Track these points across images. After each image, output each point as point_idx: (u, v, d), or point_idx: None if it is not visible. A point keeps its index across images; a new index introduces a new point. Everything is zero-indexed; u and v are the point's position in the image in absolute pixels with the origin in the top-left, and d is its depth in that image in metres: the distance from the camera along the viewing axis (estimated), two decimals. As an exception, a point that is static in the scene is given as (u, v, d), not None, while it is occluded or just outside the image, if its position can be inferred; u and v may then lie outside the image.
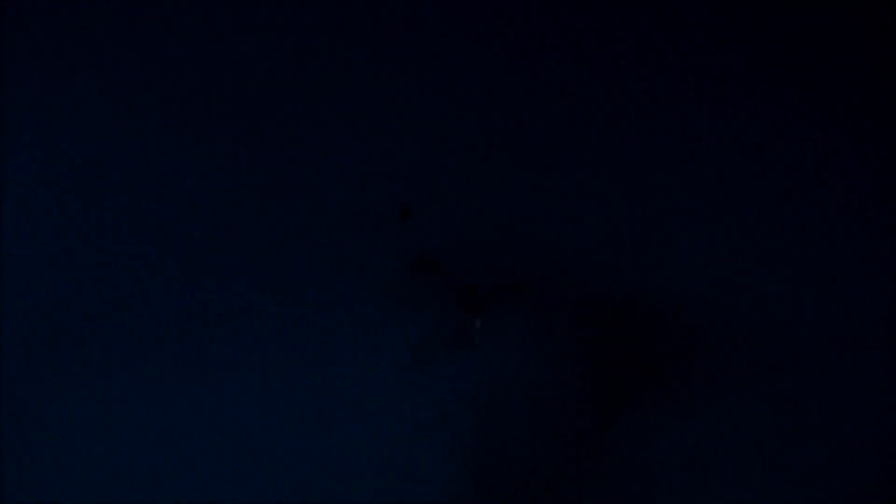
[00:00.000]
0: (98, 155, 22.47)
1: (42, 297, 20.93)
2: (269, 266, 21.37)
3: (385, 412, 19.81)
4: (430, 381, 20.15)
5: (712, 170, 22.13)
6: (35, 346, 20.44)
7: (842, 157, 22.12)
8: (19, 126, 22.70)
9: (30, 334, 20.55)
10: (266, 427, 19.69)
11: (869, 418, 19.43)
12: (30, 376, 20.12)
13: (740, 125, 22.55)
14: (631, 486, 18.93)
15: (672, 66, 23.15)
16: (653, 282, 21.01)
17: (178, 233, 21.66)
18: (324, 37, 23.82)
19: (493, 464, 19.22)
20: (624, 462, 19.18)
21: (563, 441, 19.39)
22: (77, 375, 20.14)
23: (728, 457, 19.21)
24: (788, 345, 20.31)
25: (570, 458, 19.20)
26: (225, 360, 20.39)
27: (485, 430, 19.59)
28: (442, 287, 21.08)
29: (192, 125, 22.79)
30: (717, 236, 21.48)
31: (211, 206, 21.96)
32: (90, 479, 19.14)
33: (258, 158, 22.49)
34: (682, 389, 19.90)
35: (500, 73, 22.81)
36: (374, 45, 23.68)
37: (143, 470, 19.24)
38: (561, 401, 19.81)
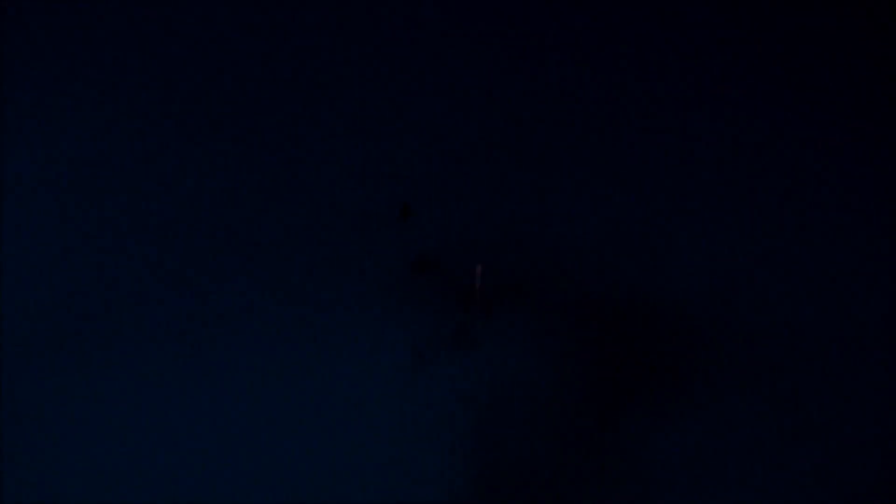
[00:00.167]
0: (98, 155, 22.49)
1: (42, 297, 20.94)
2: (269, 266, 21.39)
3: (385, 412, 19.82)
4: (431, 381, 20.17)
5: (712, 170, 22.14)
6: (35, 346, 20.45)
7: (842, 157, 22.14)
8: (19, 126, 22.71)
9: (30, 334, 20.56)
10: (266, 427, 19.70)
11: (869, 418, 19.44)
12: (30, 376, 20.13)
13: (740, 125, 22.57)
14: (631, 486, 18.94)
15: (672, 67, 23.17)
16: (653, 282, 21.02)
17: (178, 233, 21.67)
18: (324, 37, 23.84)
19: (493, 463, 19.23)
20: (624, 462, 19.19)
21: (563, 441, 19.40)
22: (77, 375, 20.14)
23: (728, 456, 19.22)
24: (788, 345, 20.33)
25: (570, 457, 19.21)
26: (225, 360, 20.41)
27: (485, 429, 19.61)
28: (442, 287, 21.09)
29: (192, 125, 22.81)
30: (717, 236, 21.49)
31: (211, 206, 21.98)
32: (90, 479, 19.15)
33: (258, 158, 22.51)
34: (683, 389, 19.91)
35: (499, 73, 22.84)
36: (374, 45, 23.70)
37: (143, 470, 19.25)
38: (561, 400, 19.83)
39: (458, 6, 23.89)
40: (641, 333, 20.45)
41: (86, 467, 19.23)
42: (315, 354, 20.40)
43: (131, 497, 18.99)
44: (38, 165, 22.27)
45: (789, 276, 21.02)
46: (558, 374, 20.11)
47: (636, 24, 23.60)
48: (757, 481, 18.94)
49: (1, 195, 21.94)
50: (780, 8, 23.71)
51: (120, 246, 21.52)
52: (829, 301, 20.72)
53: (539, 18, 23.68)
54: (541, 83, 22.72)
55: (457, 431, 19.58)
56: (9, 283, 21.05)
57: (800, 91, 22.83)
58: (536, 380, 20.09)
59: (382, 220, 21.82)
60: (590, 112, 22.52)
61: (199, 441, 19.44)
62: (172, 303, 20.90)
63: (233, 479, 19.12)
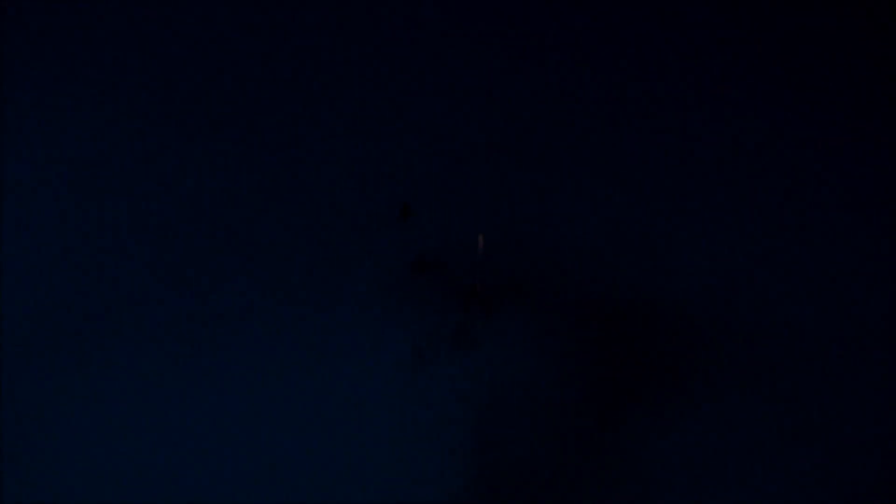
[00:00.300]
0: (98, 155, 22.48)
1: (42, 297, 20.93)
2: (269, 266, 21.38)
3: (385, 412, 19.81)
4: (431, 381, 20.16)
5: (713, 170, 22.13)
6: (35, 346, 20.44)
7: (842, 157, 22.12)
8: (19, 126, 22.70)
9: (30, 334, 20.55)
10: (266, 427, 19.69)
11: (870, 418, 19.43)
12: (30, 376, 20.12)
13: (740, 125, 22.56)
14: (631, 486, 18.93)
15: (672, 67, 23.16)
16: (654, 282, 21.01)
17: (178, 233, 21.66)
18: (324, 37, 23.83)
19: (493, 463, 19.22)
20: (624, 462, 19.18)
21: (563, 441, 19.39)
22: (77, 375, 20.13)
23: (729, 457, 19.21)
24: (789, 344, 20.31)
25: (570, 457, 19.21)
26: (225, 359, 20.40)
27: (485, 429, 19.60)
28: (442, 287, 21.08)
29: (192, 125, 22.80)
30: (717, 236, 21.48)
31: (211, 206, 21.97)
32: (90, 479, 19.14)
33: (258, 158, 22.50)
34: (683, 389, 19.90)
35: (500, 73, 22.82)
36: (373, 45, 23.69)
37: (143, 470, 19.24)
38: (561, 400, 19.82)
39: (459, 6, 23.87)
40: (642, 333, 20.44)
41: (86, 467, 19.22)
42: (315, 354, 20.39)
43: (131, 497, 18.98)
44: (38, 165, 22.26)
45: (790, 276, 21.01)
46: (558, 374, 20.10)
47: (636, 24, 23.58)
48: (757, 481, 18.93)
49: (1, 195, 21.93)
50: (779, 8, 23.70)
51: (119, 246, 21.50)
52: (829, 301, 20.71)
53: (539, 18, 23.66)
54: (541, 83, 22.71)
55: (457, 431, 19.56)
56: (9, 284, 21.04)
57: (800, 91, 22.82)
58: (536, 380, 20.07)
59: (382, 220, 21.81)
60: (590, 112, 22.51)
61: (199, 441, 19.42)
62: (172, 303, 20.89)
63: (233, 479, 19.11)
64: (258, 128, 22.81)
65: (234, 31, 23.76)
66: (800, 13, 23.63)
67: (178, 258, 21.39)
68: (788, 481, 18.85)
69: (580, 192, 21.89)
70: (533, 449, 19.25)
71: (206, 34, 23.69)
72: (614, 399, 19.81)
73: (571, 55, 23.26)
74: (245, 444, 19.42)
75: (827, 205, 21.65)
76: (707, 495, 18.79)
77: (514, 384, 20.03)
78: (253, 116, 22.92)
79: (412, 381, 20.09)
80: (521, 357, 20.30)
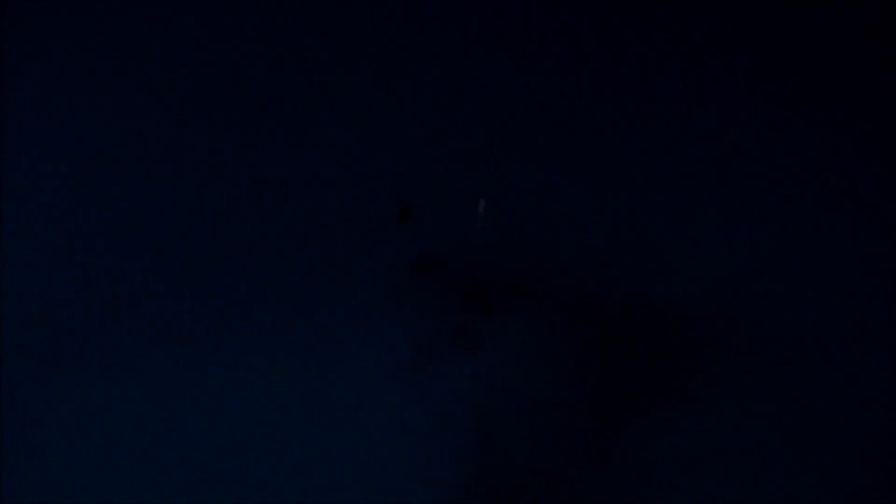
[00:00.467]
0: (98, 155, 22.46)
1: (43, 297, 20.91)
2: (269, 266, 21.36)
3: (385, 413, 19.80)
4: (431, 382, 20.14)
5: (714, 170, 22.12)
6: (35, 346, 20.43)
7: (843, 158, 22.11)
8: (19, 126, 22.69)
9: (30, 334, 20.54)
10: (265, 428, 19.68)
11: (873, 419, 19.42)
12: (30, 376, 20.11)
13: (742, 125, 22.55)
14: (633, 487, 18.92)
15: (673, 67, 23.14)
16: (655, 282, 21.00)
17: (178, 233, 21.65)
18: (324, 36, 23.81)
19: (493, 464, 19.21)
20: (626, 463, 19.17)
21: (564, 442, 19.38)
22: (78, 375, 20.12)
23: (730, 457, 19.20)
24: (790, 345, 20.31)
25: (571, 458, 19.19)
26: (225, 360, 20.39)
27: (485, 430, 19.59)
28: (442, 287, 21.06)
29: (192, 126, 22.78)
30: (719, 237, 21.47)
31: (211, 207, 21.95)
32: (90, 479, 19.13)
33: (258, 158, 22.48)
34: (684, 390, 19.89)
35: (500, 73, 22.80)
36: (374, 45, 23.67)
37: (143, 470, 19.23)
38: (562, 401, 19.80)
39: (459, 5, 23.86)
40: (642, 334, 20.43)
41: (86, 467, 19.20)
42: (314, 354, 20.37)
43: (132, 497, 18.97)
44: (38, 165, 22.24)
45: (790, 277, 21.00)
46: (559, 375, 20.09)
47: (637, 24, 23.57)
48: (759, 483, 18.92)
49: (1, 195, 21.92)
50: (780, 8, 23.68)
51: (119, 246, 21.49)
52: (830, 301, 20.70)
53: (539, 17, 23.64)
54: (541, 82, 22.69)
55: (456, 432, 19.55)
56: (9, 284, 21.02)
57: (801, 91, 22.81)
58: (537, 380, 20.06)
59: (382, 220, 21.80)
60: (591, 112, 22.49)
61: (198, 441, 19.41)
62: (172, 303, 20.87)
63: (232, 480, 19.09)
64: (258, 127, 22.79)
65: (235, 30, 23.74)
66: (800, 13, 23.62)
67: (178, 258, 21.38)
68: (790, 482, 18.85)
69: (581, 192, 21.88)
70: (533, 449, 19.24)
71: (206, 34, 23.67)
72: (615, 399, 19.81)
73: (572, 54, 23.24)
74: (244, 444, 19.41)
75: (828, 205, 21.65)
76: (708, 496, 18.78)
77: (514, 384, 20.02)
78: (253, 116, 22.90)
79: (412, 381, 20.07)
80: (521, 357, 20.28)
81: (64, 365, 20.23)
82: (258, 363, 20.28)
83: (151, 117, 22.85)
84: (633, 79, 23.03)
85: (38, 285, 21.03)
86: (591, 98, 22.59)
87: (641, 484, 18.92)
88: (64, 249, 21.41)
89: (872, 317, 20.43)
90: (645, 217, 21.62)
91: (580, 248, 21.30)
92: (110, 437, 19.53)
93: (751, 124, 22.55)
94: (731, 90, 22.85)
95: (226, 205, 21.97)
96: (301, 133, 22.76)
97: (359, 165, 22.38)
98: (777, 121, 22.56)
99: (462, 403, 19.88)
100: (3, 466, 19.15)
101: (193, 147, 22.57)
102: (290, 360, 20.32)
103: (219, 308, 20.88)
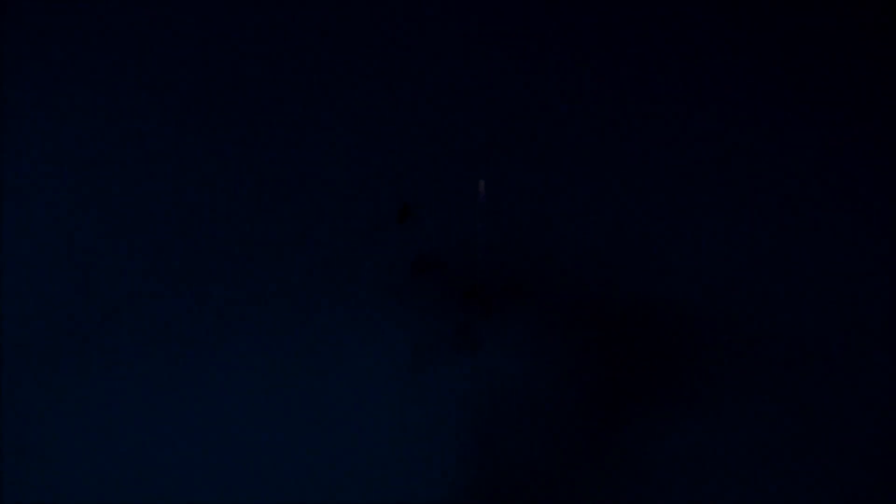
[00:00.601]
0: (98, 155, 22.48)
1: (43, 297, 20.93)
2: (268, 267, 21.38)
3: (384, 413, 19.82)
4: (431, 382, 20.16)
5: (715, 169, 22.13)
6: (36, 346, 20.44)
7: (843, 158, 22.12)
8: (19, 126, 22.70)
9: (30, 334, 20.55)
10: (265, 429, 19.70)
11: (875, 420, 19.43)
12: (30, 376, 20.13)
13: (743, 125, 22.56)
14: (633, 488, 18.93)
15: (674, 66, 23.16)
16: (656, 282, 21.01)
17: (178, 233, 21.66)
18: (324, 36, 23.83)
19: (494, 466, 19.22)
20: (626, 464, 19.18)
21: (564, 442, 19.39)
22: (78, 376, 20.14)
23: (731, 458, 19.21)
24: (792, 345, 20.31)
25: (571, 459, 19.20)
26: (224, 360, 20.41)
27: (485, 431, 19.60)
28: (442, 287, 21.07)
29: (192, 126, 22.80)
30: (719, 237, 21.48)
31: (211, 207, 21.97)
32: (91, 479, 19.15)
33: (257, 159, 22.50)
34: (687, 391, 19.90)
35: (500, 73, 22.81)
36: (374, 45, 23.68)
37: (143, 470, 19.26)
38: (562, 402, 19.81)
39: (459, 5, 23.86)
40: (643, 334, 20.43)
41: (86, 467, 19.22)
42: (314, 355, 20.38)
43: (132, 497, 18.99)
44: (38, 165, 22.26)
45: (792, 277, 21.00)
46: (559, 375, 20.09)
47: (637, 24, 23.58)
48: (760, 483, 18.93)
49: (1, 195, 21.93)
50: (780, 8, 23.69)
51: (119, 246, 21.50)
52: (831, 301, 20.70)
53: (540, 17, 23.66)
54: (542, 82, 22.70)
55: (456, 432, 19.56)
56: (9, 284, 21.03)
57: (802, 92, 22.82)
58: (537, 380, 20.06)
59: (382, 220, 21.81)
60: (591, 111, 22.50)
61: (198, 441, 19.42)
62: (172, 303, 20.88)
63: (232, 480, 19.11)
64: (258, 127, 22.81)
65: (235, 30, 23.75)
66: (800, 13, 23.63)
67: (178, 259, 21.39)
68: (791, 482, 18.85)
69: (581, 191, 21.89)
70: (533, 450, 19.24)
71: (206, 34, 23.68)
72: (615, 400, 19.81)
73: (572, 54, 23.25)
74: (244, 444, 19.42)
75: (829, 205, 21.66)
76: (709, 496, 18.79)
77: (514, 384, 20.02)
78: (252, 116, 22.92)
79: (411, 381, 20.08)
80: (521, 357, 20.29)
81: (64, 365, 20.25)
82: (258, 363, 20.29)
83: (152, 117, 22.87)
84: (633, 78, 23.05)
85: (38, 285, 21.04)
86: (593, 97, 22.61)
87: (642, 484, 18.93)
88: (64, 249, 21.42)
89: (873, 317, 20.44)
90: (646, 217, 21.64)
91: (581, 248, 21.31)
92: (111, 437, 19.55)
93: (751, 124, 22.57)
94: (731, 90, 22.87)
95: (226, 205, 21.98)
96: (301, 133, 22.79)
97: (358, 165, 22.40)
98: (778, 121, 22.58)
99: (462, 403, 19.90)
100: (3, 466, 19.17)
101: (193, 147, 22.59)
102: (289, 360, 20.33)
103: (218, 308, 20.89)
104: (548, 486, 18.90)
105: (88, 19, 23.86)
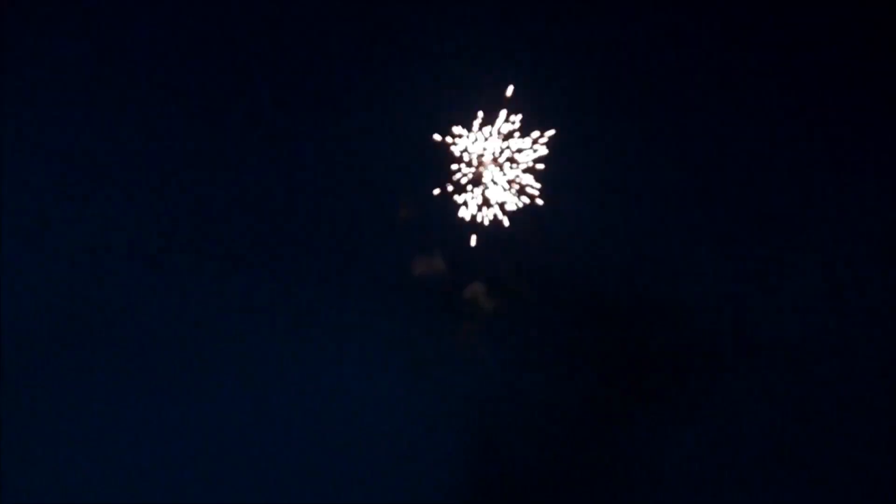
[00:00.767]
0: (98, 155, 22.42)
1: (43, 297, 20.88)
2: (268, 269, 21.34)
3: (385, 414, 19.83)
4: (430, 383, 20.16)
5: (719, 172, 22.08)
6: (36, 346, 20.39)
7: (845, 160, 22.07)
8: (19, 126, 22.61)
9: (31, 335, 20.50)
10: (266, 429, 19.75)
11: (877, 420, 19.41)
12: (30, 377, 20.08)
13: (748, 128, 22.50)
14: (634, 489, 18.93)
15: (678, 69, 23.08)
16: (657, 285, 20.99)
17: (180, 235, 21.61)
18: (324, 36, 23.74)
19: (494, 467, 19.22)
20: (627, 464, 19.18)
21: (566, 445, 19.38)
22: (78, 376, 20.12)
23: (733, 458, 19.22)
24: (793, 346, 20.29)
25: (573, 461, 19.20)
26: (225, 362, 20.42)
27: (486, 432, 19.59)
28: (442, 290, 21.02)
29: (192, 127, 22.73)
30: (723, 239, 21.43)
31: (213, 210, 21.92)
32: (91, 479, 19.15)
33: (258, 160, 22.46)
34: (688, 393, 19.89)
35: (501, 73, 22.67)
36: (374, 45, 23.60)
37: (143, 470, 19.26)
38: (563, 403, 19.80)
39: (459, 5, 23.77)
40: (644, 336, 20.40)
41: (86, 468, 19.21)
42: (313, 356, 20.37)
43: (132, 497, 18.99)
44: (38, 165, 22.19)
45: (794, 280, 20.96)
46: (560, 378, 20.07)
47: (638, 24, 23.49)
48: (764, 486, 18.92)
49: (1, 195, 21.84)
50: (780, 9, 23.60)
51: (122, 248, 21.48)
52: (834, 303, 20.66)
53: (540, 17, 23.58)
54: (547, 84, 22.56)
55: (456, 433, 19.56)
56: (9, 284, 20.95)
57: (808, 96, 22.73)
58: (537, 382, 20.04)
59: (382, 221, 21.77)
60: (596, 113, 22.37)
61: (198, 442, 19.43)
62: (173, 306, 20.85)
63: (232, 481, 19.13)
64: (259, 129, 22.76)
65: (236, 31, 23.65)
66: (800, 13, 23.55)
67: (180, 261, 21.36)
68: (794, 484, 18.86)
69: (584, 194, 21.83)
70: (533, 452, 19.25)
71: (207, 35, 23.58)
72: (616, 402, 19.80)
73: (575, 54, 23.17)
74: (245, 445, 19.44)
75: (834, 208, 21.60)
76: (712, 497, 18.81)
77: (514, 386, 20.01)
78: (253, 118, 22.87)
79: (412, 382, 20.06)
80: (522, 359, 20.26)
81: (65, 365, 20.21)
82: (257, 365, 20.31)
83: (153, 118, 22.81)
84: (638, 81, 22.98)
85: (40, 285, 20.97)
86: (599, 100, 22.54)
87: (642, 485, 18.94)
88: (64, 248, 21.38)
89: (878, 319, 20.38)
90: (651, 220, 21.60)
91: (585, 251, 21.26)
92: (111, 437, 19.56)
93: (756, 128, 22.51)
94: (739, 95, 22.80)
95: (227, 207, 21.94)
96: (302, 135, 22.74)
97: (359, 167, 22.35)
98: (782, 125, 22.52)
99: (463, 404, 19.90)
100: (3, 467, 19.14)
101: (193, 149, 22.54)
102: (288, 362, 20.36)
103: (219, 309, 20.88)
104: (548, 487, 18.89)
105: (89, 18, 23.73)
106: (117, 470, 19.28)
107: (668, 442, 19.42)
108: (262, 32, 23.55)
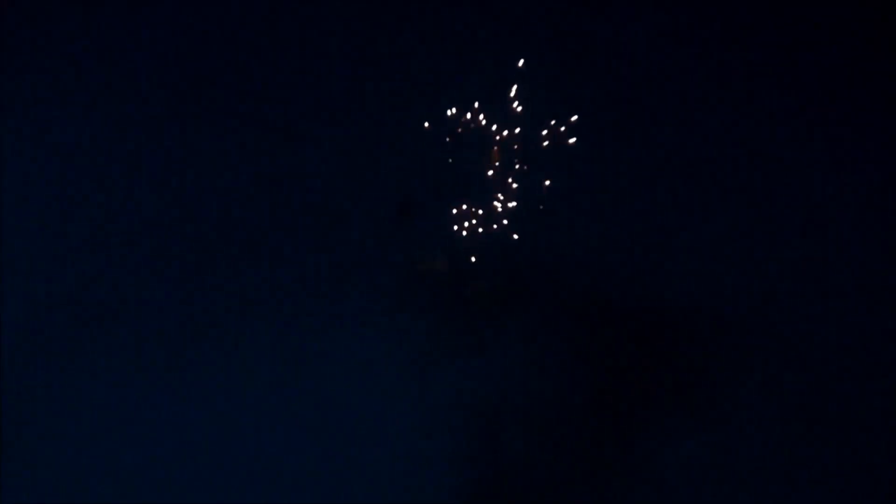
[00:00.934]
0: (98, 154, 22.41)
1: (43, 296, 20.84)
2: (268, 268, 21.33)
3: (386, 416, 19.80)
4: (433, 385, 20.14)
5: (720, 170, 22.13)
6: (36, 345, 20.35)
7: (846, 158, 22.14)
8: (19, 126, 22.60)
9: (31, 334, 20.45)
10: (266, 430, 19.70)
11: (881, 421, 19.44)
12: (30, 376, 20.04)
13: (746, 126, 22.57)
14: (638, 492, 18.93)
15: (677, 68, 23.15)
16: (661, 285, 21.01)
17: (180, 234, 21.58)
18: (323, 34, 23.76)
19: (496, 470, 19.20)
20: (631, 468, 19.18)
21: (570, 448, 19.38)
22: (79, 376, 20.07)
23: (737, 461, 19.23)
24: (797, 347, 20.31)
25: (575, 463, 19.19)
26: (224, 362, 20.38)
27: (488, 434, 19.57)
28: (444, 289, 21.02)
29: (192, 124, 22.72)
30: (726, 238, 21.47)
31: (212, 208, 21.90)
32: (91, 479, 19.10)
33: (258, 159, 22.45)
34: (692, 394, 19.90)
35: (502, 72, 22.73)
36: (375, 44, 23.63)
37: (144, 470, 19.22)
38: (567, 406, 19.79)
39: (458, 5, 23.81)
40: (648, 337, 20.41)
41: (86, 468, 19.16)
42: (314, 357, 20.35)
43: (132, 497, 18.95)
44: (37, 164, 22.16)
45: (797, 278, 21.00)
46: (565, 380, 20.07)
47: (638, 23, 23.56)
48: (766, 486, 18.94)
49: (1, 195, 21.81)
50: (780, 8, 23.69)
51: (121, 246, 21.43)
52: (838, 303, 20.70)
53: (540, 18, 23.64)
54: (544, 83, 22.60)
55: (458, 436, 19.54)
56: (9, 283, 20.91)
57: (808, 94, 22.82)
58: (540, 384, 20.03)
59: (382, 221, 21.77)
60: (594, 111, 22.42)
61: (198, 442, 19.39)
62: (173, 306, 20.81)
63: (232, 481, 19.09)
64: (259, 127, 22.75)
65: (235, 28, 23.66)
66: (800, 13, 23.63)
67: (179, 260, 21.33)
68: (800, 489, 18.87)
69: (589, 193, 21.88)
70: (536, 455, 19.23)
71: (207, 35, 23.59)
72: (620, 404, 19.79)
73: (573, 53, 23.22)
74: (245, 446, 19.40)
75: (836, 205, 21.67)
76: (715, 499, 18.81)
77: (518, 388, 20.00)
78: (253, 115, 22.85)
79: (416, 382, 20.04)
80: (525, 361, 20.26)
81: (65, 364, 20.16)
82: (257, 365, 20.27)
83: (152, 116, 22.80)
84: (636, 78, 23.04)
85: (40, 284, 20.94)
86: (596, 97, 22.59)
87: (646, 486, 18.94)
88: (64, 248, 21.34)
89: (882, 318, 20.42)
90: (653, 218, 21.63)
91: (586, 250, 21.29)
92: (112, 437, 19.51)
93: (755, 125, 22.58)
94: (738, 92, 22.87)
95: (227, 206, 21.92)
96: (302, 132, 22.73)
97: (360, 165, 22.35)
98: (781, 123, 22.60)
99: (467, 405, 19.88)
100: (3, 467, 19.09)
101: (192, 146, 22.53)
102: (289, 363, 20.33)
103: (219, 309, 20.84)
104: (553, 492, 18.87)
105: (89, 18, 23.72)
106: (117, 470, 19.23)
107: (677, 446, 19.41)
108: (261, 32, 23.60)
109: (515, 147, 21.33)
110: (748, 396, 19.79)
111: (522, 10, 23.76)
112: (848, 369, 19.96)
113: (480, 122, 21.24)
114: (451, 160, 21.45)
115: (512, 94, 21.19)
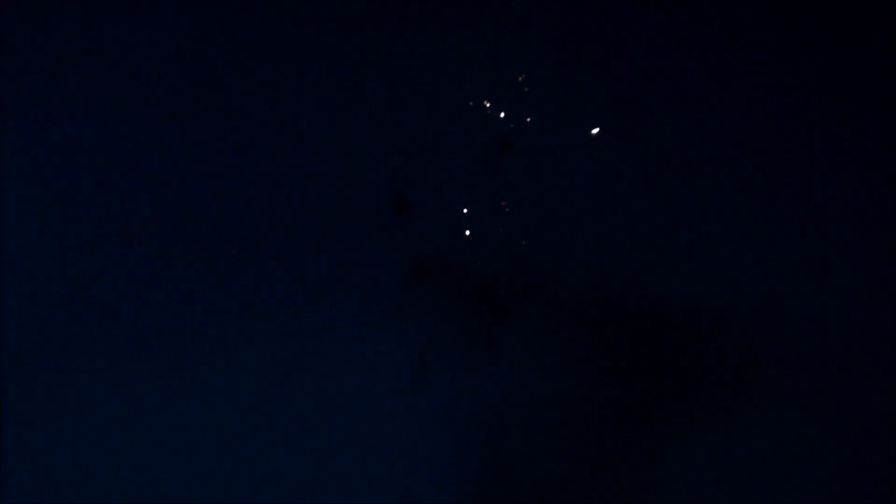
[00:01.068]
0: (97, 153, 22.38)
1: (43, 295, 20.82)
2: (268, 268, 21.31)
3: (388, 419, 19.78)
4: (436, 387, 20.12)
5: (726, 172, 22.15)
6: (36, 345, 20.32)
7: (848, 158, 22.18)
8: (19, 125, 22.58)
9: (30, 334, 20.43)
10: (266, 431, 19.67)
11: (886, 422, 19.45)
12: (30, 376, 20.01)
13: (749, 127, 22.60)
14: (648, 495, 18.90)
15: (679, 65, 23.18)
16: (673, 288, 20.99)
17: (178, 232, 21.57)
18: (323, 34, 23.77)
19: (502, 476, 19.18)
20: (639, 470, 19.15)
21: (573, 449, 19.35)
22: (79, 375, 20.04)
23: (747, 464, 19.21)
24: (806, 351, 20.31)
25: (580, 465, 19.16)
26: (225, 362, 20.35)
27: (493, 437, 19.55)
28: (449, 290, 21.01)
29: (190, 123, 22.71)
30: (736, 241, 21.47)
31: (210, 206, 21.89)
32: (90, 479, 19.06)
33: (257, 157, 22.43)
34: (701, 397, 19.88)
35: (504, 72, 22.79)
36: (375, 43, 23.64)
37: (144, 470, 19.18)
38: (571, 408, 19.77)
39: (459, 5, 23.85)
40: (660, 339, 20.40)
41: (86, 468, 19.13)
42: (314, 358, 20.32)
43: (133, 497, 18.92)
44: (37, 163, 22.14)
45: (809, 281, 21.00)
46: (571, 383, 20.05)
47: (638, 22, 23.61)
48: (775, 489, 18.92)
49: (1, 195, 21.80)
50: (780, 8, 23.74)
51: (119, 245, 21.41)
52: (842, 304, 20.72)
53: (540, 18, 23.68)
54: (548, 82, 22.67)
55: (463, 439, 19.52)
56: (9, 283, 20.89)
57: (809, 94, 22.87)
58: (548, 388, 20.02)
59: (383, 220, 21.76)
60: (598, 111, 22.48)
61: (198, 442, 19.38)
62: (171, 305, 20.80)
63: (233, 482, 19.07)
64: (257, 126, 22.74)
65: (233, 26, 23.68)
66: (800, 13, 23.69)
67: (177, 258, 21.31)
68: (803, 487, 18.86)
69: (597, 191, 21.88)
70: (538, 456, 19.21)
71: (207, 32, 23.60)
72: (630, 406, 19.78)
73: (575, 52, 23.26)
74: (245, 446, 19.38)
75: (839, 206, 21.70)
76: (722, 501, 18.78)
77: (524, 390, 19.98)
78: (252, 114, 22.85)
79: (421, 385, 20.03)
80: (532, 362, 20.25)
81: (65, 364, 20.14)
82: (257, 366, 20.24)
83: (151, 115, 22.78)
84: (639, 78, 23.06)
85: (40, 283, 20.92)
86: (599, 96, 22.61)
87: (657, 491, 18.91)
88: (64, 248, 21.30)
89: (885, 319, 20.45)
90: (662, 219, 21.63)
91: (597, 251, 21.28)
92: (112, 437, 19.48)
93: (759, 126, 22.60)
94: (737, 91, 22.90)
95: (225, 204, 21.90)
96: (300, 130, 22.72)
97: (360, 164, 22.34)
98: (784, 122, 22.62)
99: (472, 409, 19.86)
100: (3, 467, 19.06)
101: (192, 145, 22.50)
102: (289, 364, 20.29)
103: (219, 309, 20.82)
104: (561, 493, 18.85)
105: (89, 17, 23.74)
106: (118, 469, 19.20)
107: (681, 447, 19.39)
108: (261, 32, 23.60)
109: (515, 146, 21.35)
110: (758, 397, 19.78)
111: (522, 10, 23.79)
112: (852, 369, 19.96)
113: (481, 120, 21.27)
114: (451, 159, 21.47)
115: (511, 93, 21.23)
